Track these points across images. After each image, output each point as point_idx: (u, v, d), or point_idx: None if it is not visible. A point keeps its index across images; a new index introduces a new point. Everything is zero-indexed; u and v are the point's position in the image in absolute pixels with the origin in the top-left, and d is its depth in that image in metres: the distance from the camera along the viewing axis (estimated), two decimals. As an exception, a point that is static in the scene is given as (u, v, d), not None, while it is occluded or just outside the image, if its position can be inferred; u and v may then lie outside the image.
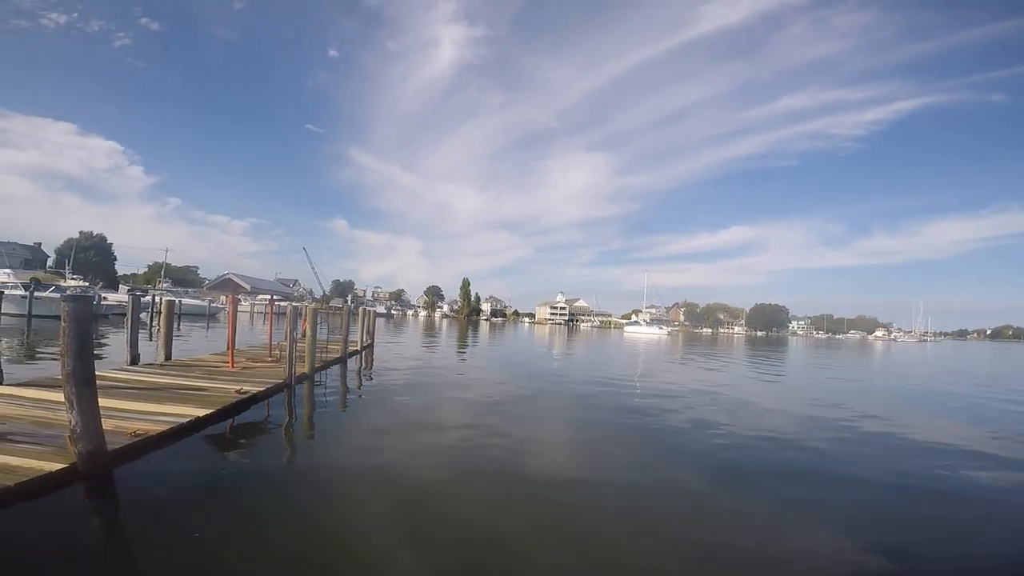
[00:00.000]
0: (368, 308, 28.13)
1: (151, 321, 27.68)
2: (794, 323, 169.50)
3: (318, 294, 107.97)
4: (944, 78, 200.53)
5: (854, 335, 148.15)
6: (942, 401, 15.54)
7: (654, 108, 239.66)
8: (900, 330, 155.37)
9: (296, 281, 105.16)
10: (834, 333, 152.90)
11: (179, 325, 27.93)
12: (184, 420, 6.31)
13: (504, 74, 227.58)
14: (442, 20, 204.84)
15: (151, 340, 17.89)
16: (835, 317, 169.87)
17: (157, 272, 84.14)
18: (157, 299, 30.24)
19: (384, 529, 4.42)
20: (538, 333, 64.52)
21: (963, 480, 6.87)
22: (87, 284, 46.40)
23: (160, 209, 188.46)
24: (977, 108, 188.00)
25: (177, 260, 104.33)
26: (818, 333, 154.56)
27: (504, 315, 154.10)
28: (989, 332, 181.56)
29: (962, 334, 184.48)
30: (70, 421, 4.59)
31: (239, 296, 17.11)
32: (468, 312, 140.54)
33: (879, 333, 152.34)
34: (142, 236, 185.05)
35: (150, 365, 10.78)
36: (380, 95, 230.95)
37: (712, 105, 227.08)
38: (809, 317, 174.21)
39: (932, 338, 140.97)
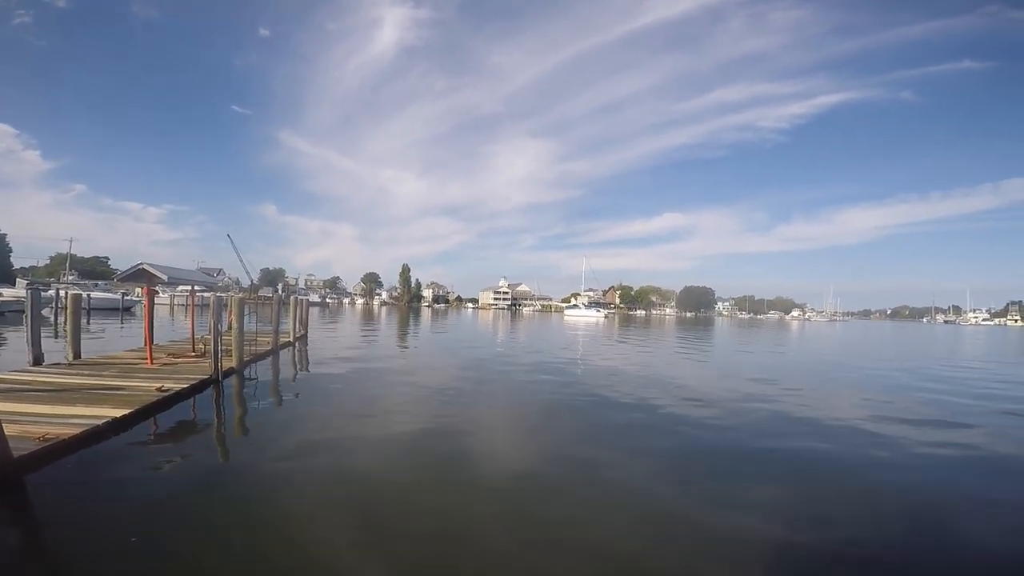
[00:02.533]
0: (300, 297, 27.13)
1: (56, 317, 25.35)
2: (720, 304, 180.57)
3: (245, 283, 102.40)
4: (862, 75, 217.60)
5: (773, 315, 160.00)
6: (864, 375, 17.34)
7: (597, 96, 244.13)
8: (813, 310, 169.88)
9: (220, 270, 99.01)
10: (755, 313, 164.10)
11: (89, 321, 25.70)
12: (100, 422, 5.98)
13: (449, 58, 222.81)
14: (386, 1, 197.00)
15: (56, 338, 16.44)
16: (756, 298, 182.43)
17: (60, 264, 76.23)
18: (62, 293, 27.65)
19: (327, 526, 4.32)
20: (482, 318, 64.86)
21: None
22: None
23: (61, 196, 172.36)
24: (888, 104, 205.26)
25: (84, 251, 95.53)
26: (741, 314, 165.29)
27: (447, 301, 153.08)
28: (889, 312, 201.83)
29: (866, 314, 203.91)
30: (-33, 428, 4.27)
31: (156, 288, 16.01)
32: (409, 299, 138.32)
33: (795, 313, 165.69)
34: (42, 226, 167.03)
35: (56, 365, 9.98)
36: (316, 77, 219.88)
37: (652, 96, 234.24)
38: (733, 299, 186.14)
39: (841, 318, 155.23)
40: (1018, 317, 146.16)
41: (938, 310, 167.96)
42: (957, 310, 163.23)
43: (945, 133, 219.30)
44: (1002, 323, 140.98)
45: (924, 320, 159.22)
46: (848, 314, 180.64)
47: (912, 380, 15.48)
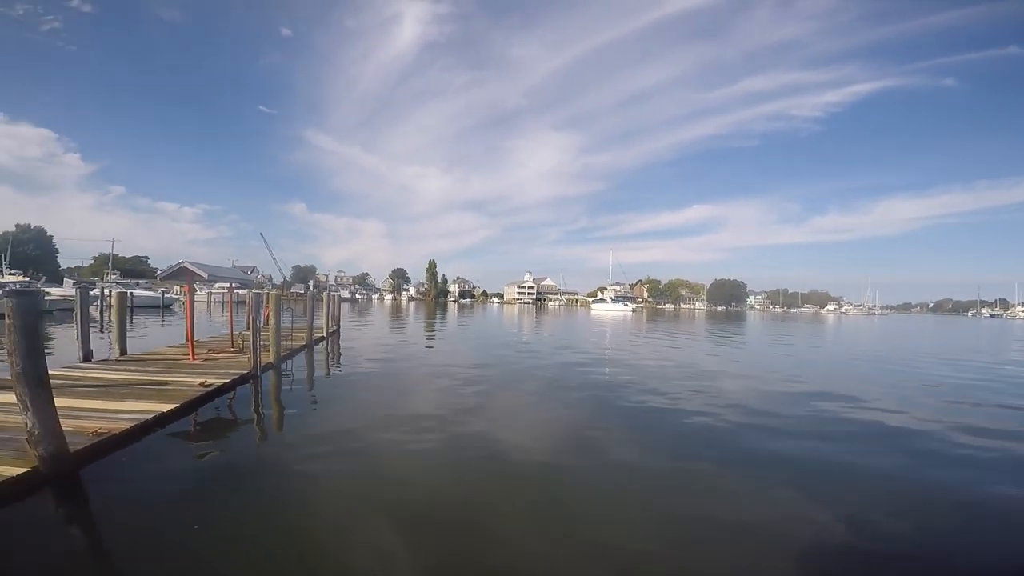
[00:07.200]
0: (332, 293, 27.61)
1: (101, 315, 26.45)
2: (751, 298, 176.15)
3: (278, 280, 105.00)
4: (901, 62, 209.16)
5: (808, 309, 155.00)
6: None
7: (620, 88, 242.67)
8: (850, 304, 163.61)
9: (254, 268, 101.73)
10: (789, 307, 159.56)
11: (132, 318, 26.72)
12: (148, 416, 6.16)
13: (469, 52, 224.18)
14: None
15: (103, 335, 17.13)
16: (790, 291, 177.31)
17: (104, 264, 79.67)
18: (106, 292, 28.84)
19: (367, 518, 4.39)
20: (507, 313, 64.90)
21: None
22: (28, 279, 43.74)
23: (102, 198, 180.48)
24: (930, 93, 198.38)
25: (124, 251, 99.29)
26: (774, 307, 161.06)
27: (472, 296, 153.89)
28: (931, 305, 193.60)
29: (906, 307, 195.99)
30: (26, 423, 4.42)
31: (195, 285, 16.48)
32: (435, 294, 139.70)
33: (831, 307, 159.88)
34: (84, 227, 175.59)
35: (104, 361, 10.37)
36: (338, 75, 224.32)
37: (677, 86, 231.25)
38: (766, 292, 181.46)
39: (879, 312, 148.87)
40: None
41: (983, 303, 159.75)
42: (1004, 303, 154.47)
43: (992, 120, 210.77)
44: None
45: (969, 314, 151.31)
46: (887, 308, 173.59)
47: None
